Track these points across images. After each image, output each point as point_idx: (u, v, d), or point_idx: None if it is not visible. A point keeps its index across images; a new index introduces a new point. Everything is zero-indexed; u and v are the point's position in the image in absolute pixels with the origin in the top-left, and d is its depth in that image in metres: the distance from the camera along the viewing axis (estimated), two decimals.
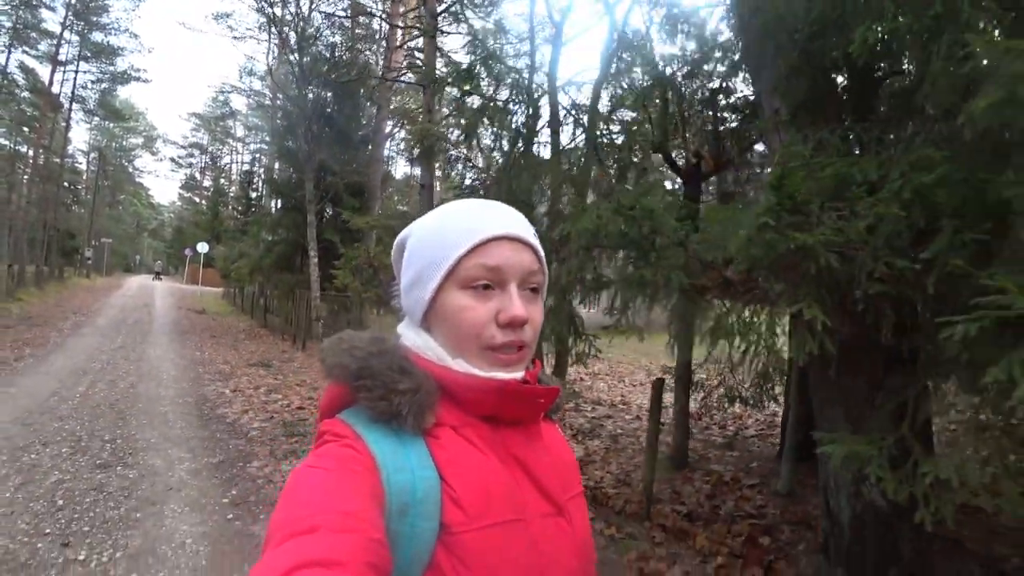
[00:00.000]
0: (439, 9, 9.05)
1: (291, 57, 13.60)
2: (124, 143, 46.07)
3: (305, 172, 13.19)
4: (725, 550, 3.11)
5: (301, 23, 13.90)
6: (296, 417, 5.74)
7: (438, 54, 9.16)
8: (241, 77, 27.00)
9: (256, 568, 0.43)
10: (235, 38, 24.76)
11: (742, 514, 3.65)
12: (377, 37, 15.87)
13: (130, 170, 48.13)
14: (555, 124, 6.21)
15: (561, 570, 0.60)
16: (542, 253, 0.66)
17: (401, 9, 14.79)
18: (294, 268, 15.13)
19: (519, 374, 0.63)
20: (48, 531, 2.88)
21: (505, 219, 0.64)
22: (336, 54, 14.18)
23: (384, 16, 13.93)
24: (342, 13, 15.48)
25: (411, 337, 0.65)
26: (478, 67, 3.70)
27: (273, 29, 13.99)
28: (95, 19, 26.67)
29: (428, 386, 0.59)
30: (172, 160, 49.31)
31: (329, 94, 14.61)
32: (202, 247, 26.34)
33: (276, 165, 21.21)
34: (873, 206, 1.81)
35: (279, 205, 17.52)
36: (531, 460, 0.63)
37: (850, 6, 2.24)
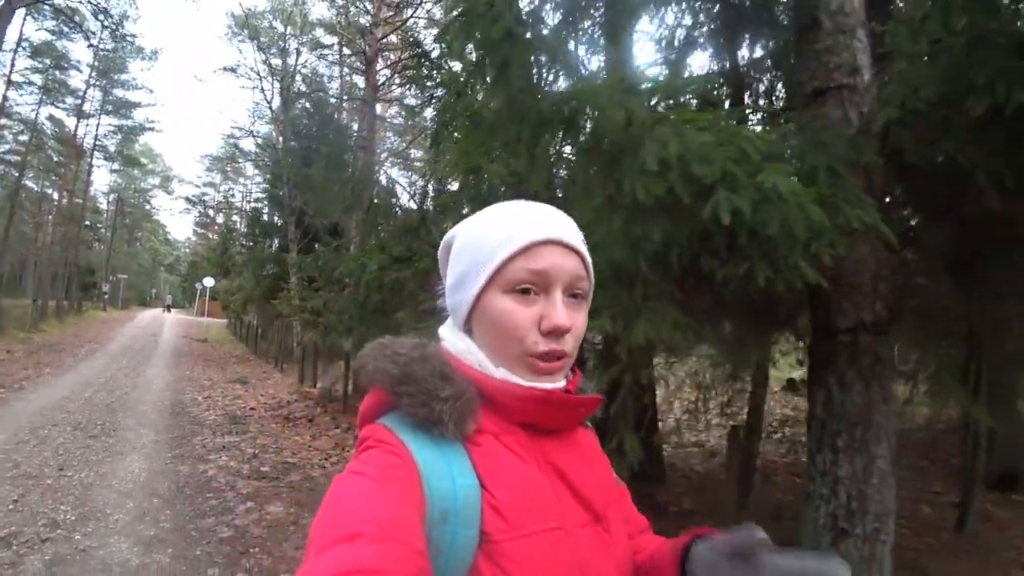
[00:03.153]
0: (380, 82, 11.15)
1: (275, 111, 15.85)
2: (142, 184, 49.16)
3: (287, 215, 15.25)
4: None
5: (285, 87, 16.19)
6: (244, 413, 7.51)
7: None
8: (249, 122, 29.61)
9: (298, 574, 0.44)
10: (241, 88, 27.40)
11: None
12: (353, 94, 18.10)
13: (147, 208, 51.18)
14: None
15: None
16: (589, 259, 0.65)
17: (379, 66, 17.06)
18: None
19: (560, 383, 0.63)
20: (52, 463, 4.66)
21: (553, 222, 0.63)
22: (315, 112, 16.40)
23: (349, 96, 16.09)
24: (326, 64, 17.84)
25: (453, 341, 0.65)
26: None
27: (267, 82, 16.28)
28: (115, 76, 29.56)
29: (470, 393, 0.59)
30: (186, 199, 52.40)
31: (312, 144, 16.80)
32: (208, 281, 28.50)
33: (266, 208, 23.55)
34: None
35: (271, 244, 19.70)
36: (569, 468, 0.63)
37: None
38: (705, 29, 4.49)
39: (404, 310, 2.96)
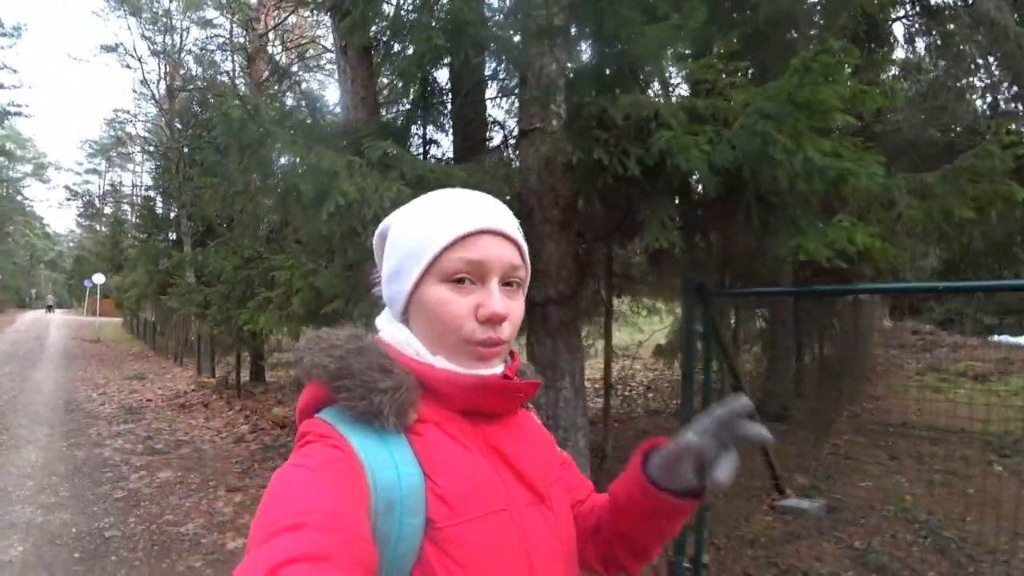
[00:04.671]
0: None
1: (159, 97, 15.44)
2: (11, 173, 44.58)
3: (179, 208, 15.07)
4: None
5: (170, 71, 15.79)
6: (140, 405, 7.96)
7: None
8: (134, 106, 27.67)
9: (240, 567, 0.43)
10: (125, 68, 25.75)
11: None
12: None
13: (19, 200, 46.51)
14: None
15: (547, 556, 0.62)
16: (526, 248, 0.66)
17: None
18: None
19: (498, 369, 0.64)
20: None
21: (489, 211, 0.63)
22: (202, 101, 16.10)
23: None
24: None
25: (391, 331, 0.66)
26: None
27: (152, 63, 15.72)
28: None
29: (409, 384, 0.60)
30: (67, 188, 48.06)
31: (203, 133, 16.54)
32: (98, 278, 26.82)
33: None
34: None
35: (165, 236, 19.15)
36: (511, 451, 0.65)
37: None
38: None
39: (252, 300, 3.76)
